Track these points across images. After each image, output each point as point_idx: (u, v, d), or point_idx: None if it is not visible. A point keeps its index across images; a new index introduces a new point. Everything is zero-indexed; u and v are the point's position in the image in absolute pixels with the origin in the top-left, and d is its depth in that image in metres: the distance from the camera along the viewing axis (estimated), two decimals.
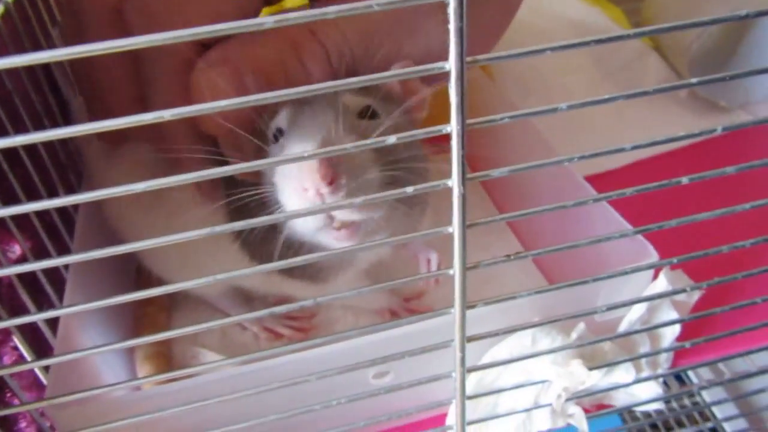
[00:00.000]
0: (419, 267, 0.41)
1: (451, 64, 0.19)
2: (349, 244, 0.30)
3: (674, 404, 0.57)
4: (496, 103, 0.48)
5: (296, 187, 0.27)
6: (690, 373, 0.59)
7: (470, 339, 0.26)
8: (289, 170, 0.28)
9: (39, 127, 0.42)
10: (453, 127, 0.20)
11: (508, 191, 0.49)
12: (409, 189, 0.21)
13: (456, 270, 0.24)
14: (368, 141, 0.20)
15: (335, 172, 0.26)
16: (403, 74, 0.19)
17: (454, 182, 0.21)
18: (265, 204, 0.30)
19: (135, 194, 0.19)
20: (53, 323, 0.33)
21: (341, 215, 0.28)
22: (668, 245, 0.32)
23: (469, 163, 0.21)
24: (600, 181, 0.39)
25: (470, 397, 0.29)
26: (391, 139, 0.20)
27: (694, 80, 0.23)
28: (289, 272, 0.35)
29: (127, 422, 0.24)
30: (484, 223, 0.23)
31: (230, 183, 0.30)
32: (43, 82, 0.46)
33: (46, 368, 0.32)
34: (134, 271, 0.43)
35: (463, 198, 0.21)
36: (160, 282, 0.39)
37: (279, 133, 0.30)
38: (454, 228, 0.22)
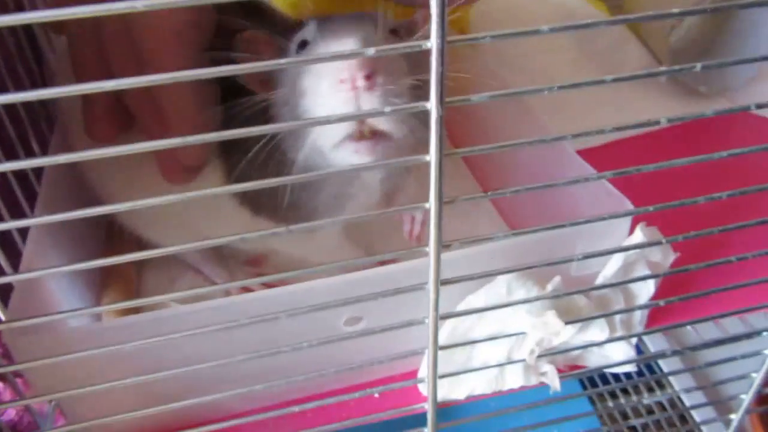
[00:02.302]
0: (403, 224, 0.41)
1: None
2: (368, 159, 0.29)
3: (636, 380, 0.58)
4: (482, 74, 0.48)
5: (332, 80, 0.26)
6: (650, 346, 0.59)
7: (444, 282, 0.26)
8: (324, 66, 0.27)
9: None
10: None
11: (487, 159, 0.49)
12: (387, 109, 0.21)
13: (432, 203, 0.23)
14: (346, 50, 0.19)
15: (374, 67, 0.26)
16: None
17: (432, 104, 0.21)
18: (273, 152, 0.30)
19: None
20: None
21: (373, 119, 0.28)
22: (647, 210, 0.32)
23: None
24: (582, 157, 0.39)
25: (443, 347, 0.29)
26: (370, 51, 0.19)
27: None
28: (277, 217, 0.34)
29: (87, 354, 0.23)
30: (462, 153, 0.23)
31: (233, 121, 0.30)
32: (27, 49, 0.45)
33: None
34: (105, 223, 0.42)
35: (441, 121, 0.21)
36: (131, 236, 0.38)
37: (303, 46, 0.30)
38: (432, 156, 0.22)
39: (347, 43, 0.27)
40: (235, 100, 0.30)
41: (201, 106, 0.30)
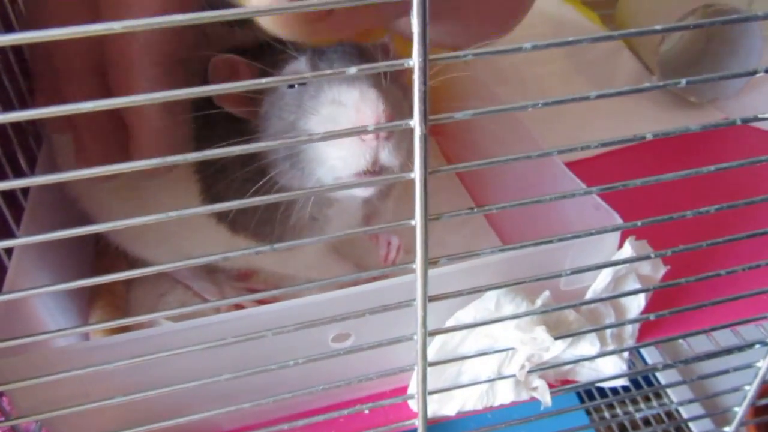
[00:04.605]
0: (379, 249, 0.41)
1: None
2: (371, 191, 0.29)
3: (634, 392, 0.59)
4: (473, 88, 0.48)
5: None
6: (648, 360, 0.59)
7: (432, 298, 0.26)
8: (339, 114, 0.27)
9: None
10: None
11: (479, 174, 0.49)
12: (370, 127, 0.21)
13: (417, 220, 0.23)
14: (327, 71, 0.19)
15: (392, 116, 0.26)
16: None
17: (416, 122, 0.21)
18: (254, 175, 0.29)
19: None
20: None
21: (386, 158, 0.27)
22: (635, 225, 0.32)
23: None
24: (573, 168, 0.39)
25: (432, 363, 0.28)
26: (352, 70, 0.19)
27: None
28: (257, 239, 0.34)
29: (73, 374, 0.23)
30: (445, 170, 0.23)
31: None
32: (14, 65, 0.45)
33: None
34: (93, 238, 0.41)
35: (425, 138, 0.21)
36: (119, 251, 0.38)
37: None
38: (416, 173, 0.22)
39: (353, 92, 0.27)
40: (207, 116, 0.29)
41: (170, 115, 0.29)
